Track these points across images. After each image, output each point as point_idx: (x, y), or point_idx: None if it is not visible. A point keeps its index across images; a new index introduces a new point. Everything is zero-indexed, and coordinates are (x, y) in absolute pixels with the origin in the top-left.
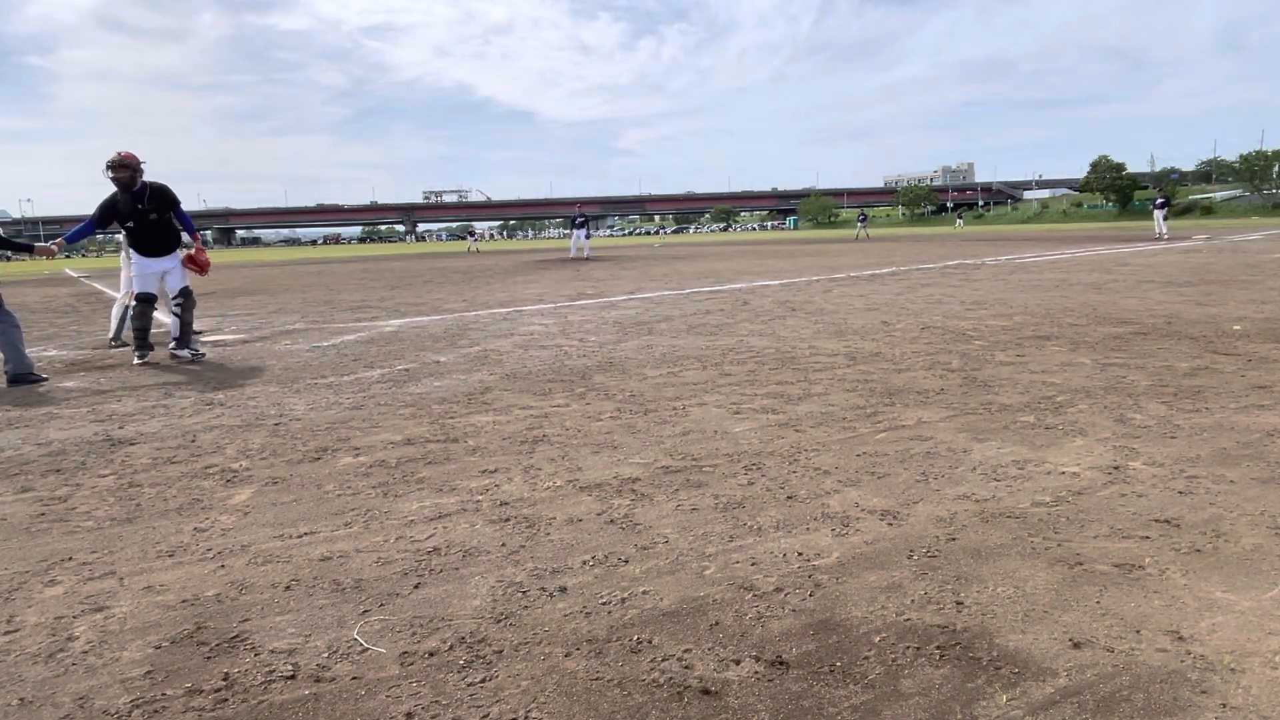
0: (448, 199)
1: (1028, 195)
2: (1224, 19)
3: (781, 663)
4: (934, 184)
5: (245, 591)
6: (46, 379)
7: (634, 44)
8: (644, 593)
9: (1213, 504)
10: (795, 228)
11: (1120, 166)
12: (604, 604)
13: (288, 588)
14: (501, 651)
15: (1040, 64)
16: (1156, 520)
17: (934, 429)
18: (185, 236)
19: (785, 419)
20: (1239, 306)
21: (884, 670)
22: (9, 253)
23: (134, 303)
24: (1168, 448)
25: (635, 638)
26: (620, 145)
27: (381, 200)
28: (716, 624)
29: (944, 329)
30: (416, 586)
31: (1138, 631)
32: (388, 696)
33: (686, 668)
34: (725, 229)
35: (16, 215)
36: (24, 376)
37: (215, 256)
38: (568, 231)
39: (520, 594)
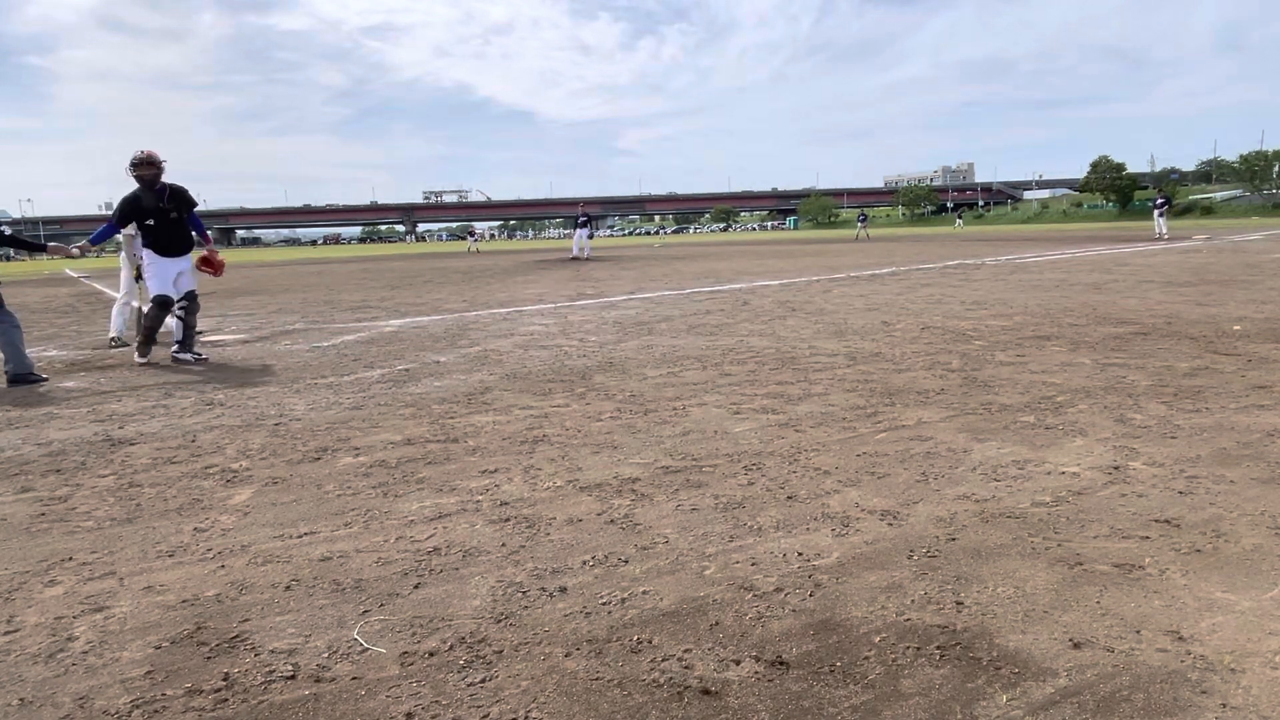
0: (448, 199)
1: (1028, 195)
2: (1224, 19)
3: (781, 663)
4: (934, 184)
5: (245, 591)
6: (47, 379)
7: (634, 44)
8: (644, 593)
9: (1213, 504)
10: (795, 228)
11: (1120, 166)
12: (604, 604)
13: (288, 588)
14: (501, 651)
15: (1040, 64)
16: (1156, 520)
17: (934, 429)
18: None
19: (785, 419)
20: (1239, 306)
21: (884, 670)
22: (25, 252)
23: (150, 305)
24: (1168, 448)
25: (635, 638)
26: (620, 145)
27: (381, 200)
28: (716, 624)
29: (944, 329)
30: (416, 586)
31: (1138, 631)
32: (388, 696)
33: (686, 668)
34: (725, 229)
35: (16, 215)
36: (24, 376)
37: None
38: (569, 231)
39: (520, 594)
